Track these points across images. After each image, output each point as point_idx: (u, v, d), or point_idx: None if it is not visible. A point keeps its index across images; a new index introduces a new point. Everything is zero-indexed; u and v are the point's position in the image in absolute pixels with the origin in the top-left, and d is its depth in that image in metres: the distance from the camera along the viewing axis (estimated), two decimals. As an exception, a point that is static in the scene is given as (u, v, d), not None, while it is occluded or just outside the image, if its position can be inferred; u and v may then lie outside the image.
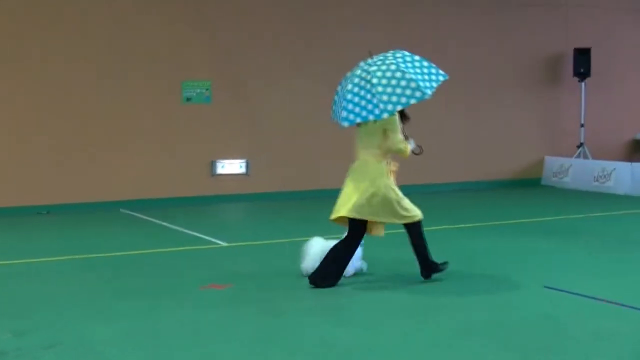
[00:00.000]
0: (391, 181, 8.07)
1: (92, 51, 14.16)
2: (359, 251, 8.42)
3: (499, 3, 17.44)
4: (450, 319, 6.95)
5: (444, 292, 7.86)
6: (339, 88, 8.19)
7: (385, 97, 7.65)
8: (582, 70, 17.59)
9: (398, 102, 7.67)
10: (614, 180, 16.28)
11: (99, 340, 6.41)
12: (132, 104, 14.44)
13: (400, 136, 7.93)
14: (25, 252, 10.29)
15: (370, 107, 7.68)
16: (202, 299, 7.68)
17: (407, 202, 8.09)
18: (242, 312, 7.20)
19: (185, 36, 14.77)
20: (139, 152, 14.52)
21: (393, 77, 7.72)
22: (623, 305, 7.24)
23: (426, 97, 7.70)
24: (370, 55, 8.15)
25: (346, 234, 8.17)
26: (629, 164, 16.71)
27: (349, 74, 8.16)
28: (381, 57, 8.02)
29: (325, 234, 11.31)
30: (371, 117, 7.71)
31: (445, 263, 8.25)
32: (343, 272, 8.15)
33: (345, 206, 8.04)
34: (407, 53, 8.08)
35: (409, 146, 8.05)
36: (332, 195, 15.45)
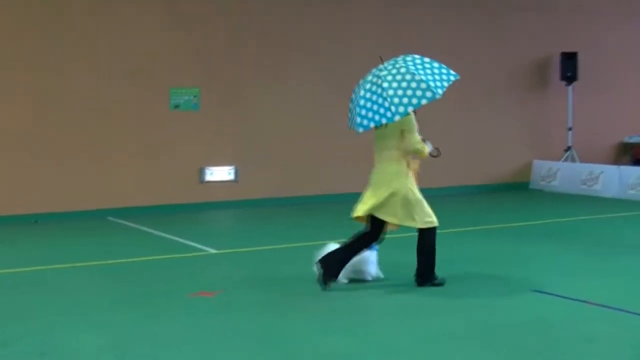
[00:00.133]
0: (411, 182, 8.12)
1: (81, 59, 14.11)
2: (374, 257, 8.46)
3: (486, 9, 17.48)
4: (440, 323, 6.95)
5: (434, 296, 7.85)
6: (352, 96, 8.26)
7: (396, 100, 7.76)
8: (569, 74, 17.66)
9: (409, 104, 7.77)
10: (601, 183, 16.34)
11: (87, 350, 6.37)
12: (119, 111, 14.39)
13: (417, 136, 8.04)
14: (14, 261, 10.22)
15: (382, 110, 7.79)
16: (191, 307, 7.65)
17: (425, 206, 8.13)
18: (232, 319, 7.18)
19: (173, 43, 14.75)
20: (127, 160, 14.47)
21: (403, 80, 7.83)
22: (613, 308, 7.26)
23: (437, 96, 7.81)
24: (382, 61, 8.23)
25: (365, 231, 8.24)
26: (616, 167, 16.78)
27: (361, 81, 8.25)
28: (392, 62, 8.12)
29: (315, 241, 11.33)
30: (384, 121, 7.81)
31: (443, 279, 8.24)
32: (347, 261, 8.20)
33: (364, 206, 8.16)
34: (417, 56, 8.18)
35: (427, 147, 8.11)
36: (322, 200, 15.68)
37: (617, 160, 18.74)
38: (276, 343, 6.49)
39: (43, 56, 13.90)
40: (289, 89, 15.64)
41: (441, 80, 7.93)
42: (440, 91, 7.82)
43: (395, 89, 7.78)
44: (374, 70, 8.18)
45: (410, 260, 8.27)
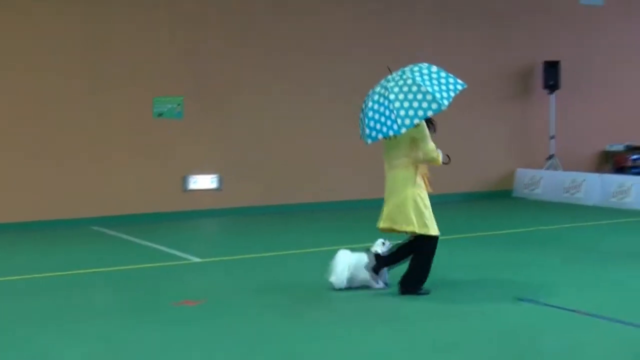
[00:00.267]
0: (420, 189, 8.18)
1: (64, 66, 14.07)
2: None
3: (468, 18, 17.55)
4: (423, 331, 6.97)
5: (417, 304, 7.87)
6: (362, 106, 8.30)
7: (402, 112, 7.82)
8: (551, 82, 17.76)
9: (415, 116, 7.82)
10: (583, 191, 16.42)
11: (73, 359, 6.35)
12: (103, 120, 14.35)
13: (431, 145, 8.11)
14: (-4, 270, 10.19)
15: (389, 122, 7.85)
16: (175, 315, 7.63)
17: (429, 214, 8.17)
18: (216, 328, 7.17)
19: (157, 51, 14.73)
20: (110, 168, 14.42)
21: (409, 91, 7.88)
22: (598, 316, 7.28)
23: (443, 107, 7.85)
24: (390, 72, 8.27)
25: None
26: (598, 175, 16.87)
27: (370, 92, 8.29)
28: (399, 72, 8.15)
29: (300, 248, 11.34)
30: (391, 133, 7.89)
31: (428, 290, 8.25)
32: (390, 265, 8.38)
33: (381, 221, 8.27)
34: (425, 65, 8.21)
35: (440, 155, 8.19)
36: (307, 209, 15.67)
37: (599, 169, 18.83)
38: (260, 351, 6.48)
39: (26, 63, 13.87)
40: (274, 97, 15.65)
41: (447, 90, 7.96)
42: (446, 102, 7.86)
43: (401, 101, 7.85)
44: (382, 81, 8.22)
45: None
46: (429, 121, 8.19)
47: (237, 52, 15.36)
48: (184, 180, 15.01)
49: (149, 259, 10.79)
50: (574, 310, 7.44)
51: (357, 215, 15.05)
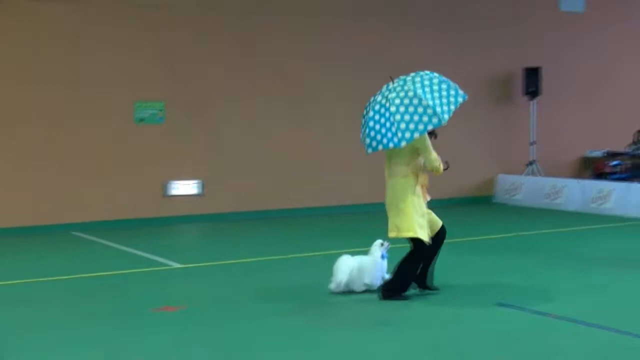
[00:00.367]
0: (418, 197, 8.23)
1: (44, 71, 14.02)
2: (384, 265, 8.61)
3: (449, 25, 17.61)
4: (403, 335, 6.98)
5: (397, 309, 7.88)
6: (364, 112, 8.32)
7: (403, 125, 7.86)
8: (532, 89, 17.84)
9: (416, 130, 7.87)
10: (564, 197, 16.50)
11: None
12: (83, 125, 14.30)
13: (434, 154, 8.18)
14: (-25, 276, 10.13)
15: (389, 135, 7.90)
16: (155, 321, 7.61)
17: (423, 222, 8.23)
18: (196, 334, 7.15)
19: (138, 57, 14.69)
20: (91, 174, 14.36)
21: (410, 104, 7.91)
22: (576, 321, 7.32)
23: (443, 122, 7.91)
24: (392, 80, 8.28)
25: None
26: (578, 181, 16.97)
27: (372, 99, 8.30)
28: (401, 82, 8.15)
29: (282, 254, 11.34)
30: (391, 145, 7.94)
31: (407, 296, 8.28)
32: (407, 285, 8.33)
33: (389, 232, 8.27)
34: (426, 75, 8.22)
35: (442, 163, 8.26)
36: (289, 215, 15.65)
37: (579, 175, 18.93)
38: (239, 357, 6.47)
39: (7, 70, 13.81)
40: (256, 103, 15.64)
41: (448, 104, 8.01)
42: (446, 116, 7.92)
43: (402, 114, 7.88)
44: (383, 90, 8.23)
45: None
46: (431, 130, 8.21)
47: (218, 57, 15.34)
48: (165, 186, 14.97)
49: (129, 265, 10.74)
50: (553, 316, 7.48)
51: (338, 221, 15.07)
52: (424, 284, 8.47)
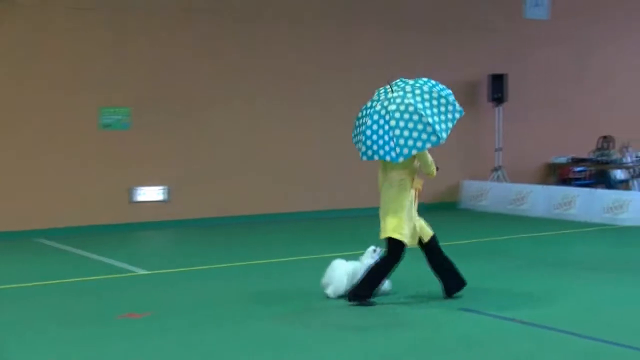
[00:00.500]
0: (408, 199, 8.30)
1: (9, 76, 13.89)
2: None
3: (415, 30, 17.68)
4: (368, 341, 6.98)
5: (361, 316, 7.89)
6: (359, 114, 8.35)
7: (402, 141, 7.92)
8: (497, 95, 17.96)
9: (414, 147, 7.95)
10: (529, 203, 16.63)
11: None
12: (47, 130, 14.18)
13: (430, 158, 8.28)
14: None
15: (387, 148, 7.96)
16: (119, 329, 7.55)
17: (408, 226, 8.28)
18: (159, 341, 7.11)
19: (104, 62, 14.60)
20: (55, 180, 14.24)
21: (410, 120, 7.94)
22: (540, 326, 7.36)
23: (442, 141, 8.00)
24: (390, 88, 8.27)
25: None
26: (543, 187, 17.11)
27: (368, 104, 8.30)
28: (401, 94, 8.13)
29: (249, 260, 11.31)
30: (388, 158, 8.01)
31: (374, 302, 8.29)
32: (375, 287, 8.36)
33: (382, 232, 8.34)
34: (426, 84, 8.25)
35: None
36: (255, 221, 15.61)
37: (544, 181, 19.08)
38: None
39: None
40: (222, 109, 15.60)
41: (446, 121, 8.07)
42: (444, 135, 8.01)
43: (402, 129, 7.93)
44: (380, 98, 8.22)
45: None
46: None
47: (185, 63, 15.29)
48: (131, 192, 14.88)
49: (94, 272, 10.65)
50: (517, 321, 7.52)
51: (303, 227, 15.07)
52: (461, 282, 8.55)
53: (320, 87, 16.55)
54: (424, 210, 17.47)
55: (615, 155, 18.54)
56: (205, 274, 10.44)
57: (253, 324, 7.69)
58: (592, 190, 16.38)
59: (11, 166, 13.93)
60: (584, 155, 19.07)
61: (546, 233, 14.02)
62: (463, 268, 10.39)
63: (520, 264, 10.90)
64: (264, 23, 16.03)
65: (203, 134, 15.45)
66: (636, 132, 19.81)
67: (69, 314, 8.27)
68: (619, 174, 18.65)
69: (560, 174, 19.35)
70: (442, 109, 8.09)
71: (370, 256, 8.67)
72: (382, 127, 7.98)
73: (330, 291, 8.56)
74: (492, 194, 17.44)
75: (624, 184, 18.33)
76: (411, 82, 8.28)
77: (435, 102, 8.09)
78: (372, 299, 8.28)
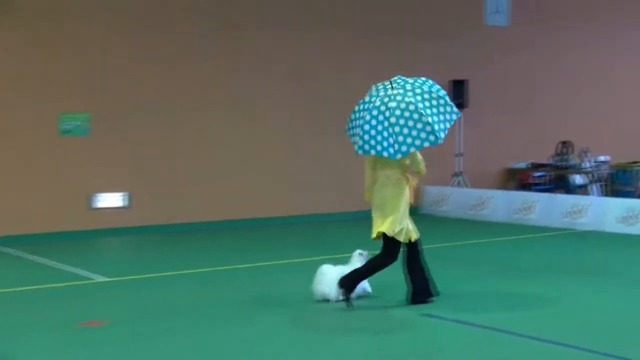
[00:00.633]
0: (405, 198, 8.39)
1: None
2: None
3: (376, 36, 17.74)
4: (329, 347, 6.97)
5: (323, 322, 7.88)
6: (356, 108, 8.41)
7: (401, 138, 8.00)
8: (458, 101, 18.04)
9: (412, 144, 8.05)
10: (490, 208, 16.74)
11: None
12: (6, 136, 14.01)
13: (420, 157, 8.39)
14: None
15: (385, 144, 8.02)
16: (77, 336, 7.47)
17: (404, 223, 8.39)
18: (117, 349, 7.04)
19: (63, 68, 14.46)
20: (14, 186, 14.06)
21: (411, 118, 8.03)
22: (501, 331, 7.40)
23: (439, 141, 8.13)
24: (390, 84, 8.34)
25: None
26: (503, 192, 17.24)
27: (366, 98, 8.37)
28: (401, 91, 8.20)
29: (209, 266, 11.26)
30: (385, 154, 8.06)
31: (351, 304, 8.34)
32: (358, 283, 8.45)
33: (376, 228, 8.42)
34: (424, 85, 8.34)
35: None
36: (217, 227, 15.53)
37: (504, 186, 19.22)
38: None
39: None
40: (183, 114, 15.52)
41: (444, 121, 8.19)
42: (442, 135, 8.12)
43: (402, 126, 8.01)
44: (380, 94, 8.26)
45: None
46: None
47: (145, 68, 15.19)
48: (91, 198, 14.74)
49: (53, 279, 10.53)
50: (474, 325, 7.56)
51: (262, 233, 15.04)
52: (428, 293, 8.55)
53: (279, 90, 16.54)
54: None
55: (574, 160, 18.75)
56: (165, 281, 10.37)
57: (213, 331, 7.65)
58: (552, 195, 16.54)
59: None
60: (544, 161, 19.25)
61: (506, 238, 14.12)
62: (424, 273, 10.45)
63: (481, 269, 10.96)
64: (225, 30, 15.99)
65: (163, 140, 15.35)
66: (595, 138, 20.06)
67: (26, 322, 8.16)
68: (578, 179, 18.85)
69: (520, 179, 19.51)
70: (441, 109, 8.22)
71: (357, 260, 8.73)
72: (382, 123, 8.06)
73: (326, 292, 8.60)
74: (452, 199, 17.52)
75: (582, 189, 18.54)
76: (410, 80, 8.39)
77: (434, 102, 8.21)
78: (350, 300, 8.31)
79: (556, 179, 19.11)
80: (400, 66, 17.80)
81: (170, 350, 7.02)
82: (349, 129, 8.48)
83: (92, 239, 14.43)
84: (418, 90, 8.23)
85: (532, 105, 20.06)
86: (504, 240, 13.88)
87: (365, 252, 8.79)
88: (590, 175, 18.76)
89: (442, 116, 8.18)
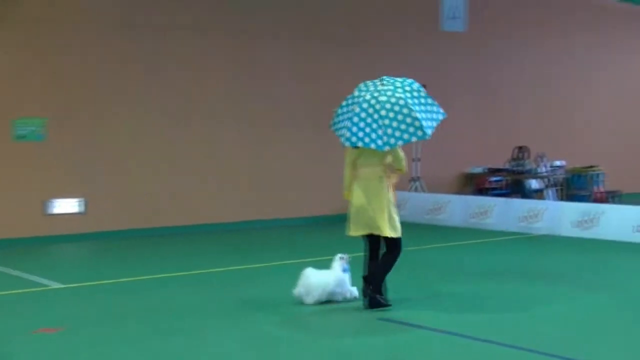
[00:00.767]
0: (390, 194, 8.49)
1: None
2: (347, 278, 8.79)
3: (331, 42, 17.78)
4: (285, 352, 6.96)
5: (280, 325, 7.87)
6: (344, 102, 8.56)
7: (389, 131, 8.15)
8: (415, 106, 18.13)
9: (400, 138, 8.19)
10: (447, 212, 16.84)
11: None
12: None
13: (402, 154, 8.51)
14: None
15: (374, 136, 8.15)
16: (31, 344, 7.38)
17: (397, 219, 8.52)
18: (72, 357, 6.97)
19: (19, 73, 14.30)
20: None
21: (400, 112, 8.19)
22: (457, 334, 7.45)
23: (427, 137, 8.26)
24: (380, 82, 8.49)
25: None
26: (460, 197, 17.36)
27: (356, 93, 8.53)
28: (391, 88, 8.39)
29: (166, 272, 11.19)
30: (373, 146, 8.17)
31: (389, 303, 8.48)
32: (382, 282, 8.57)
33: (357, 226, 8.54)
34: (413, 84, 8.50)
35: None
36: (175, 232, 15.45)
37: (461, 191, 19.36)
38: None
39: None
40: (139, 120, 15.44)
41: (431, 119, 8.37)
42: (429, 132, 8.26)
43: (391, 120, 8.16)
44: (370, 88, 8.45)
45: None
46: None
47: (101, 73, 15.09)
48: (46, 204, 14.58)
49: (7, 286, 10.39)
50: (430, 328, 7.59)
51: (218, 239, 15.00)
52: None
53: (223, 94, 16.53)
54: (343, 220, 17.49)
55: (530, 165, 18.94)
56: (122, 287, 10.29)
57: (169, 337, 7.60)
58: (508, 199, 16.69)
59: None
60: (500, 166, 19.43)
61: (463, 242, 14.21)
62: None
63: (438, 273, 11.01)
64: (167, 35, 15.95)
65: (119, 146, 15.25)
66: (551, 143, 20.30)
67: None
68: (534, 184, 19.05)
69: (476, 184, 19.67)
70: (429, 108, 8.42)
71: (339, 264, 8.81)
72: (371, 115, 8.21)
73: (302, 298, 8.70)
74: (410, 204, 17.60)
75: (538, 194, 18.74)
76: (400, 79, 8.57)
77: (423, 101, 8.41)
78: (385, 298, 8.49)
79: (512, 183, 19.29)
80: (358, 71, 17.89)
81: (126, 356, 6.96)
82: (335, 124, 8.61)
83: (47, 245, 14.28)
84: (407, 88, 8.45)
85: (488, 110, 20.26)
86: (460, 245, 13.97)
87: (345, 256, 8.87)
88: (546, 179, 18.97)
89: (429, 114, 8.38)
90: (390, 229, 8.41)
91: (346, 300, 8.83)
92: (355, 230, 8.58)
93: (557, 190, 18.91)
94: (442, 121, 7.92)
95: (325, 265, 9.01)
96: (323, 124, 17.28)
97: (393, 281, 8.85)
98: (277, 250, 13.34)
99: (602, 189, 19.00)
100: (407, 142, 8.29)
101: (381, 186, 8.45)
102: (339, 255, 8.91)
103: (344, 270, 8.84)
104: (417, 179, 18.36)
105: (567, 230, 14.89)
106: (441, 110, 8.55)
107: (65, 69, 14.72)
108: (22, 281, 10.81)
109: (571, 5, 22.48)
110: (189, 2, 16.10)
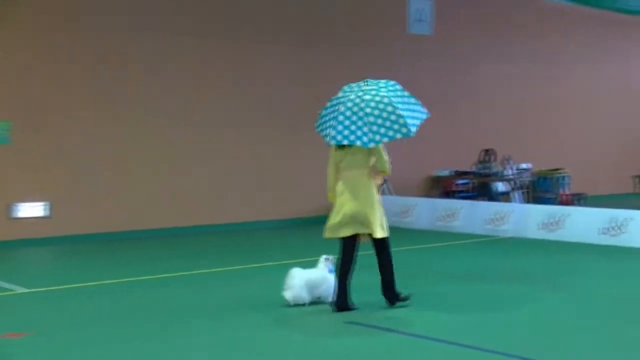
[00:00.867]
0: (376, 195, 8.56)
1: None
2: (332, 279, 8.78)
3: (299, 44, 17.79)
4: (250, 356, 6.94)
5: (252, 327, 7.85)
6: (328, 104, 8.63)
7: (374, 128, 8.24)
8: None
9: (385, 135, 8.29)
10: (414, 215, 16.89)
11: None
12: None
13: (386, 156, 8.59)
14: None
15: (359, 133, 8.23)
16: (2, 349, 7.32)
17: (385, 220, 8.67)
18: (41, 361, 6.93)
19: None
20: None
21: (384, 110, 8.31)
22: (424, 337, 7.46)
23: (411, 134, 8.39)
24: (365, 83, 8.59)
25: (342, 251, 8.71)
26: (427, 199, 17.42)
27: (340, 94, 8.63)
28: (375, 88, 8.52)
29: (134, 276, 11.13)
30: (358, 143, 8.24)
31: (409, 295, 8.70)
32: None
33: (347, 226, 8.58)
34: (396, 85, 8.68)
35: None
36: (140, 235, 15.36)
37: (428, 193, 19.43)
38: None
39: None
40: (105, 122, 15.36)
41: (415, 118, 8.50)
42: (414, 129, 8.38)
43: (376, 117, 8.27)
44: (354, 88, 8.58)
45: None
46: None
47: (67, 75, 14.98)
48: (10, 208, 14.44)
49: (-30, 291, 10.30)
50: (397, 332, 7.60)
51: (191, 242, 14.94)
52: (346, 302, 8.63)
53: (196, 96, 16.50)
54: (310, 223, 17.52)
55: (496, 168, 19.06)
56: (88, 291, 10.20)
57: (139, 340, 7.55)
58: (474, 202, 16.78)
59: None
60: (467, 168, 19.53)
61: (430, 245, 14.25)
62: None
63: (405, 276, 10.99)
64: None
65: (84, 148, 15.15)
66: (517, 146, 20.43)
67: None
68: (500, 186, 19.18)
69: (443, 187, 19.76)
70: (412, 107, 8.57)
71: (324, 265, 8.88)
72: (356, 113, 8.30)
73: (290, 296, 8.69)
74: (378, 206, 17.62)
75: (505, 196, 18.86)
76: (383, 81, 8.71)
77: (406, 100, 8.56)
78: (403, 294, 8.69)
79: (479, 186, 19.40)
80: (325, 74, 17.95)
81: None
82: (319, 125, 8.67)
83: (11, 249, 14.15)
84: (391, 88, 8.60)
85: (455, 113, 20.35)
86: (427, 248, 14.02)
87: (331, 257, 8.95)
88: (512, 182, 19.10)
89: (413, 113, 8.51)
90: (381, 229, 8.53)
91: (320, 302, 8.80)
92: (345, 231, 8.60)
93: (523, 192, 19.05)
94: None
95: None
96: (295, 127, 17.33)
97: (361, 284, 8.86)
98: (273, 251, 13.31)
99: (567, 192, 19.17)
100: (392, 139, 8.37)
101: (370, 185, 8.53)
102: (324, 256, 8.99)
103: (330, 271, 8.85)
104: (384, 181, 18.38)
105: (533, 232, 15.00)
106: (424, 110, 8.68)
107: (30, 71, 14.61)
108: (-14, 286, 10.71)
109: (538, 8, 22.65)
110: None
